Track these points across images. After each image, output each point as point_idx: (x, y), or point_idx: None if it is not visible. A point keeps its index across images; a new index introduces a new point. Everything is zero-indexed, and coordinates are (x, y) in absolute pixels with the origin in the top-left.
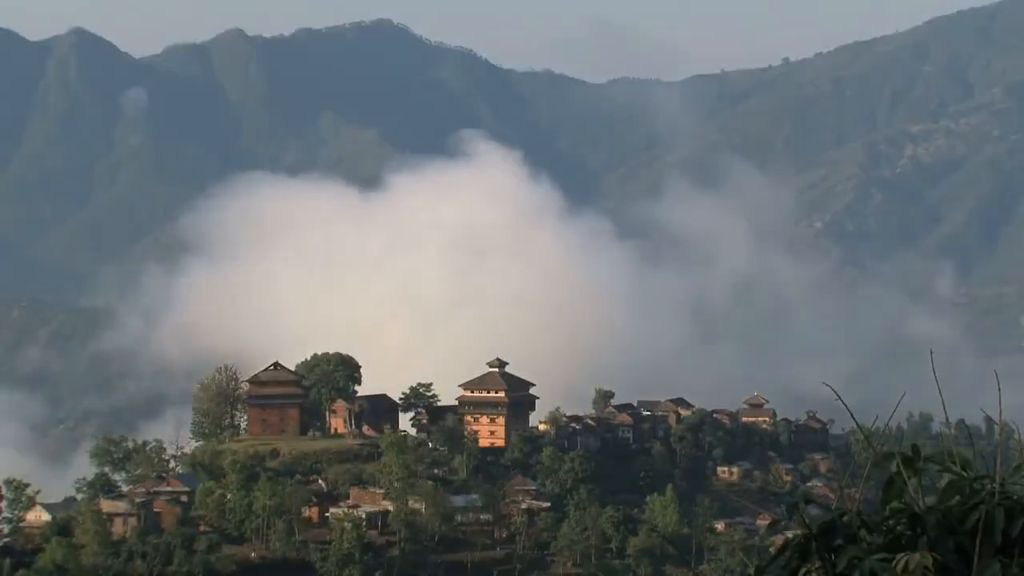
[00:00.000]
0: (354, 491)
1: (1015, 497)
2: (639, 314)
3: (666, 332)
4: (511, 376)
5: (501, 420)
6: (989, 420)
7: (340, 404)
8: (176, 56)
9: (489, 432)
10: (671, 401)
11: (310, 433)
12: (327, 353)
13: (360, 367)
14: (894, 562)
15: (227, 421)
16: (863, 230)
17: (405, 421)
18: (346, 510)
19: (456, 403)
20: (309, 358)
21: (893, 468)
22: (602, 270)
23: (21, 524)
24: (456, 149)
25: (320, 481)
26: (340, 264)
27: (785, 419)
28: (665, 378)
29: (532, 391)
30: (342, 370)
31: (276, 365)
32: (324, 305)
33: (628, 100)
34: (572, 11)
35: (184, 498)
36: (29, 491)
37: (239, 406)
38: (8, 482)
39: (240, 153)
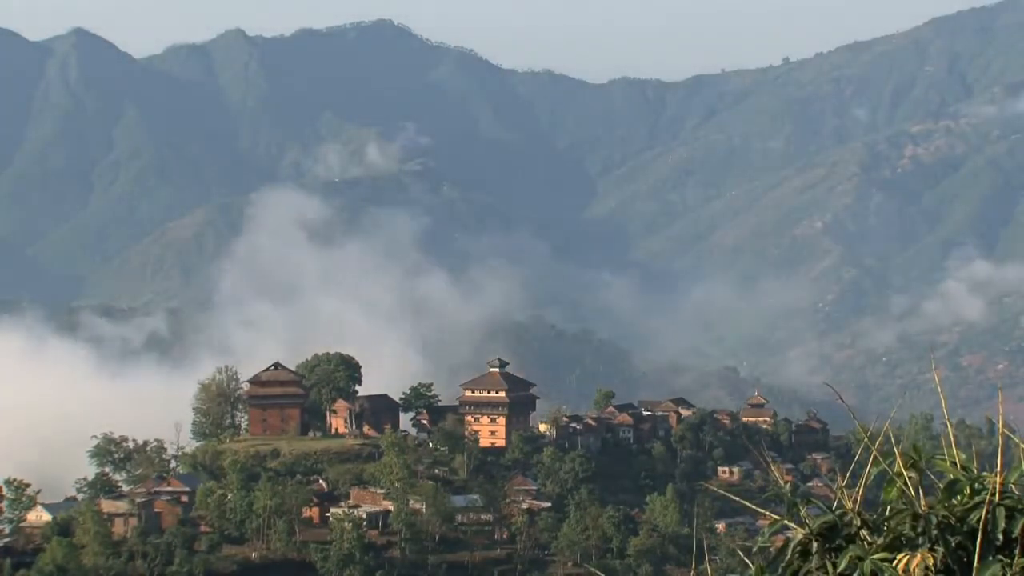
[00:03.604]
0: (354, 491)
1: (1015, 496)
2: None
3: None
4: (512, 376)
5: (502, 420)
6: (990, 420)
7: (341, 404)
8: (176, 56)
9: (490, 432)
10: (672, 401)
11: (311, 433)
12: (327, 353)
13: (360, 367)
14: (895, 562)
15: (228, 421)
16: (863, 230)
17: (406, 421)
18: (346, 510)
19: (457, 403)
20: (310, 358)
21: (893, 468)
22: None
23: (22, 524)
24: None
25: (321, 481)
26: None
27: (785, 419)
28: None
29: (532, 391)
30: (343, 370)
31: (276, 365)
32: None
33: (628, 100)
34: (572, 11)
35: (185, 498)
36: (30, 491)
37: (239, 406)
38: (9, 482)
39: (240, 153)
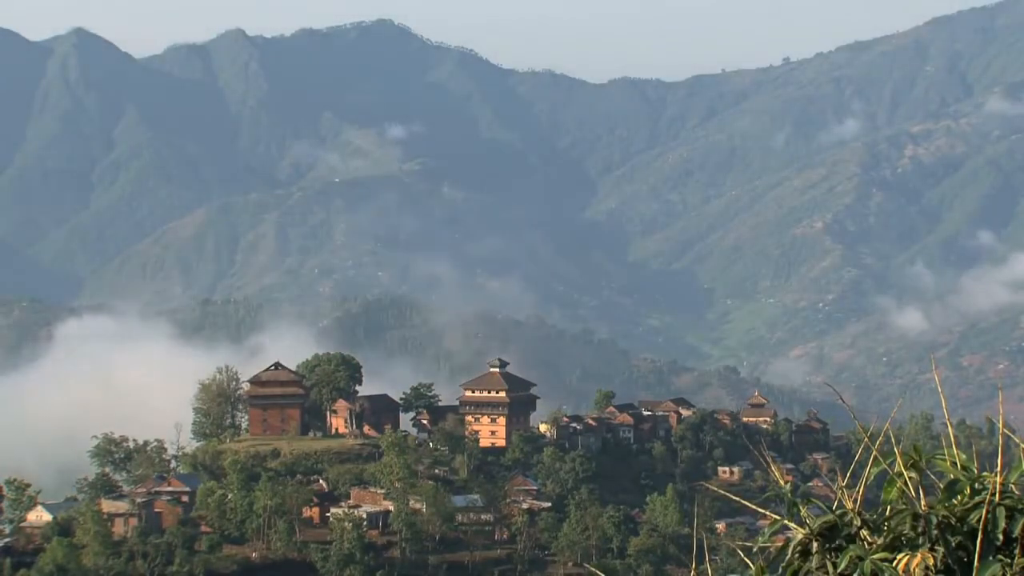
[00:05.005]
0: (355, 491)
1: (1015, 496)
2: None
3: None
4: (512, 376)
5: (502, 420)
6: (990, 420)
7: (341, 404)
8: (176, 56)
9: (490, 432)
10: (672, 401)
11: (311, 433)
12: (328, 353)
13: (361, 367)
14: (895, 562)
15: (228, 421)
16: (863, 230)
17: (406, 421)
18: (347, 510)
19: (457, 403)
20: (310, 358)
21: (894, 468)
22: None
23: (22, 524)
24: None
25: (321, 481)
26: None
27: (786, 419)
28: None
29: (532, 391)
30: (343, 370)
31: (277, 365)
32: None
33: (628, 100)
34: (572, 11)
35: (185, 498)
36: (30, 491)
37: (240, 406)
38: (9, 482)
39: (240, 153)
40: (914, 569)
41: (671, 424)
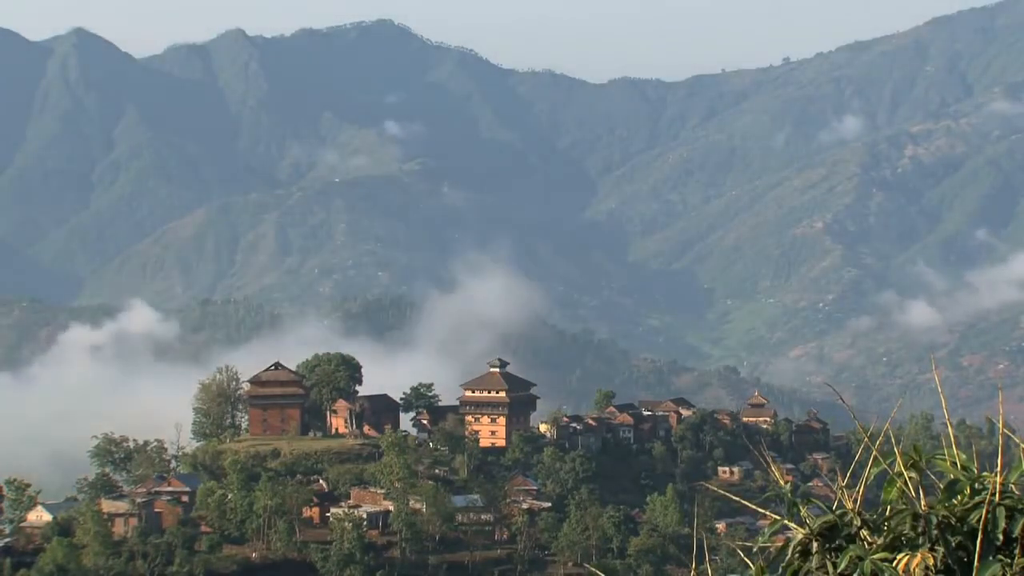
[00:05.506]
0: (355, 491)
1: (1015, 496)
2: None
3: None
4: (512, 376)
5: (502, 420)
6: (990, 420)
7: (341, 404)
8: (176, 56)
9: (490, 432)
10: (672, 401)
11: (311, 433)
12: (328, 353)
13: (361, 367)
14: (895, 562)
15: (228, 421)
16: (863, 230)
17: (406, 421)
18: (347, 510)
19: (457, 403)
20: (310, 358)
21: (894, 468)
22: None
23: (22, 524)
24: None
25: (321, 481)
26: None
27: (786, 419)
28: None
29: (532, 391)
30: (343, 370)
31: (277, 365)
32: None
33: (628, 100)
34: (572, 11)
35: (185, 498)
36: (30, 491)
37: (240, 406)
38: (9, 482)
39: (240, 153)
40: (914, 569)
41: (671, 424)
